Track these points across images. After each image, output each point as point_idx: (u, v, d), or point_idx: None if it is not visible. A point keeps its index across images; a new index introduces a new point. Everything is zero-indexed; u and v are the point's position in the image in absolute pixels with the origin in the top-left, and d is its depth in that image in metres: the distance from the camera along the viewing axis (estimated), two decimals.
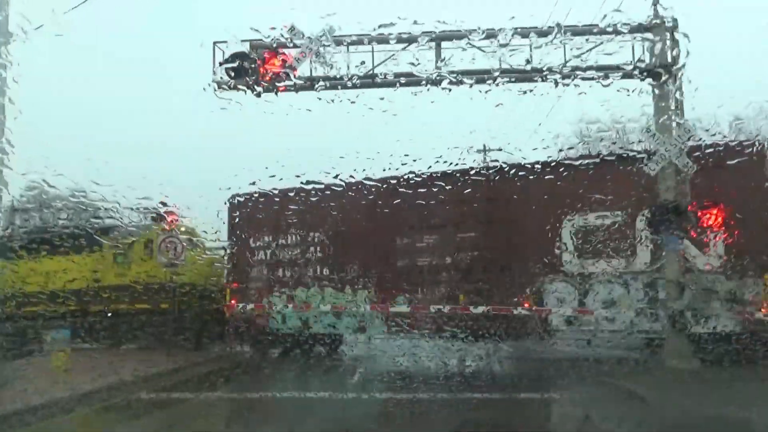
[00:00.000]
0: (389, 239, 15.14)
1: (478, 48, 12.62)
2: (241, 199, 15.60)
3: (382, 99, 12.09)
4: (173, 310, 15.87)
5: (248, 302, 16.32)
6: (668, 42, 12.62)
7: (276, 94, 13.03)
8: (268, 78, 12.82)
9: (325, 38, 12.58)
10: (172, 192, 14.20)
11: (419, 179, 13.38)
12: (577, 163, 13.23)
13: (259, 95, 12.81)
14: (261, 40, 12.82)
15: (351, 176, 12.92)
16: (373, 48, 12.91)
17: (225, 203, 16.05)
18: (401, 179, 13.48)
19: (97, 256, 17.77)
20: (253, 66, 12.85)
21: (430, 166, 12.89)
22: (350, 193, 13.98)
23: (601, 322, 13.27)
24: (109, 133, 52.64)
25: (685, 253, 12.52)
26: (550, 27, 12.28)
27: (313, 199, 14.75)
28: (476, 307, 13.86)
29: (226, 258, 17.34)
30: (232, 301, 16.54)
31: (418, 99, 12.48)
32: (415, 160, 11.94)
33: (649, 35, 12.88)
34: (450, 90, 12.75)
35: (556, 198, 13.32)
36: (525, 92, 12.64)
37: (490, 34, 12.37)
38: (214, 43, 12.82)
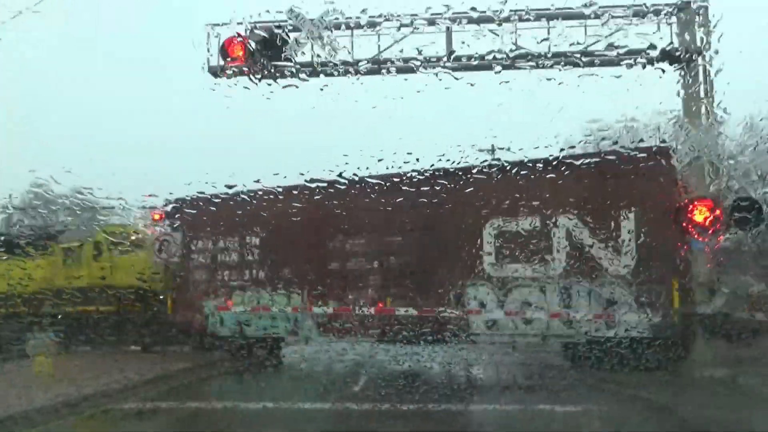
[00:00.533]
0: (322, 243, 15.26)
1: (492, 32, 11.78)
2: (186, 203, 15.21)
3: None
4: (118, 312, 16.34)
5: (188, 305, 16.45)
6: (698, 24, 11.70)
7: (275, 80, 12.14)
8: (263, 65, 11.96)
9: (326, 21, 11.72)
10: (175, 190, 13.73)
11: (348, 185, 12.96)
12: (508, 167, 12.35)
13: (261, 79, 11.95)
14: (258, 23, 11.98)
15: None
16: (378, 34, 12.07)
17: (169, 207, 15.79)
18: (330, 184, 12.88)
19: (49, 259, 17.92)
20: (251, 51, 11.99)
21: (361, 168, 11.90)
22: (288, 197, 13.71)
23: (519, 326, 13.30)
24: (109, 133, 52.04)
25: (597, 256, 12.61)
26: (569, 7, 11.39)
27: (254, 202, 14.41)
28: (403, 310, 13.86)
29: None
30: (229, 303, 15.89)
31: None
32: (347, 163, 11.06)
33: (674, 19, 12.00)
34: (458, 79, 11.93)
35: (481, 202, 13.15)
36: (548, 79, 11.60)
37: (505, 18, 11.58)
38: (208, 25, 11.94)
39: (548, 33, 11.70)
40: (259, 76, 12.20)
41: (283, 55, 11.89)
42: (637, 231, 12.21)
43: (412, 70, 12.00)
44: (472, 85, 11.77)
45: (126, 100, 63.27)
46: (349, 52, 12.21)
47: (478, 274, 13.45)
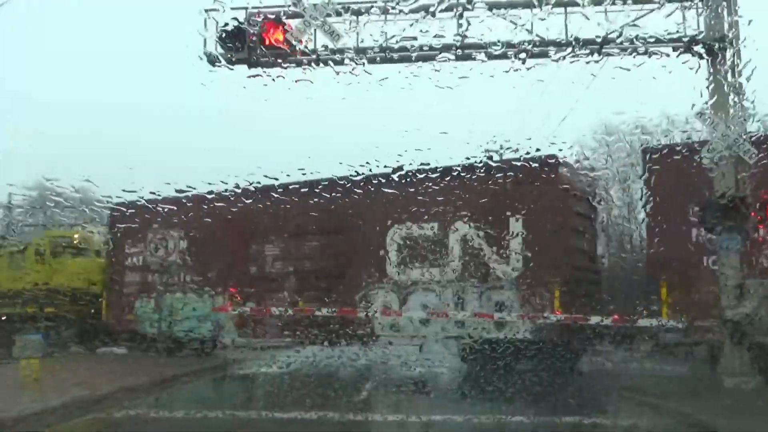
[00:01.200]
0: (244, 246, 16.24)
1: (505, 18, 11.07)
2: (123, 208, 15.79)
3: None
4: (53, 314, 17.22)
5: (121, 306, 17.59)
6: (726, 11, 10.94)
7: (283, 66, 11.44)
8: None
9: (329, 5, 11.05)
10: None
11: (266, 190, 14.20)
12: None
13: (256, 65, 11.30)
14: (259, 8, 11.32)
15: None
16: (386, 18, 11.35)
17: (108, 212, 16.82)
18: (259, 189, 13.63)
19: None
20: (250, 37, 11.31)
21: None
22: (217, 202, 14.22)
23: (417, 327, 13.93)
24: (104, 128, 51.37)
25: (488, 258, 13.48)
26: None
27: (189, 206, 15.58)
28: (320, 309, 14.37)
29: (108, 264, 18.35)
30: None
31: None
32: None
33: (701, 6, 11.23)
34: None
35: (386, 209, 14.07)
36: (567, 60, 10.89)
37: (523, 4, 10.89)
38: (206, 10, 11.24)
39: (566, 20, 10.95)
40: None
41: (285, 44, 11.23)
42: (525, 239, 13.05)
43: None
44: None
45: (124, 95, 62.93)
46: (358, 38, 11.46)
47: (382, 277, 14.33)
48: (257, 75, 11.43)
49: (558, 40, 11.04)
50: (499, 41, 10.96)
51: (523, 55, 11.15)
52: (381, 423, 9.10)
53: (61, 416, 8.90)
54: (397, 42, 11.25)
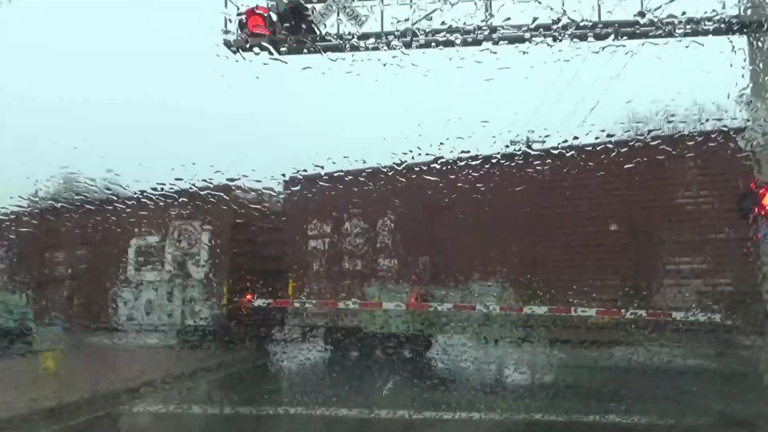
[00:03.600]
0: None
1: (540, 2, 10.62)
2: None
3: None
4: None
5: None
6: None
7: (307, 50, 11.07)
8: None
9: None
10: None
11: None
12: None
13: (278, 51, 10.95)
14: None
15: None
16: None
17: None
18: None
19: None
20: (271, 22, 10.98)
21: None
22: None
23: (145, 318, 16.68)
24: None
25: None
26: None
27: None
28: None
29: None
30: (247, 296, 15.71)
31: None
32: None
33: None
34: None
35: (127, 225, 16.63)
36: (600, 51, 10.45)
37: None
38: None
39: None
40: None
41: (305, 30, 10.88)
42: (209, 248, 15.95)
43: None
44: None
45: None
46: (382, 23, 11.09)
47: (125, 278, 17.10)
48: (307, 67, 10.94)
49: (594, 23, 10.58)
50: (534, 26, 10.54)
51: (551, 41, 10.75)
52: None
53: None
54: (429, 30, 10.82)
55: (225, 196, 14.95)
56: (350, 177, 14.28)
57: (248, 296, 15.30)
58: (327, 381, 12.95)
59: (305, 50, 11.19)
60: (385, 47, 10.78)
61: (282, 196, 16.51)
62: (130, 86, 64.20)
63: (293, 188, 15.96)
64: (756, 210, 9.86)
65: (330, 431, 8.63)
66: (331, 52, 10.98)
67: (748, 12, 10.49)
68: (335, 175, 14.27)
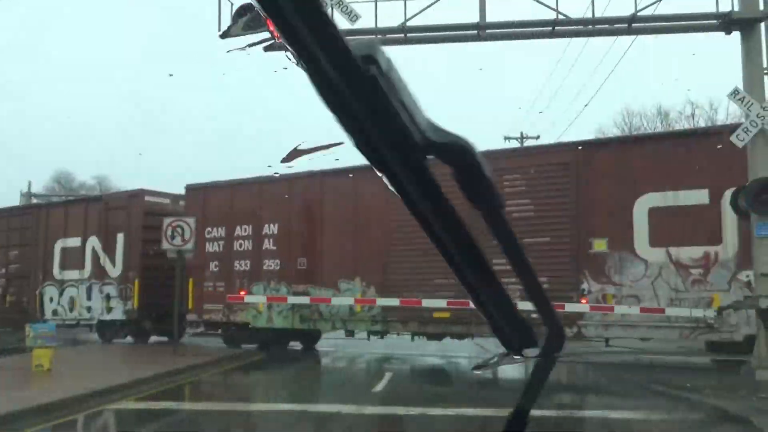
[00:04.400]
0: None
1: None
2: None
3: None
4: None
5: None
6: None
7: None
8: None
9: None
10: None
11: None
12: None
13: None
14: None
15: None
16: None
17: None
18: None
19: None
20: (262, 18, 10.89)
21: None
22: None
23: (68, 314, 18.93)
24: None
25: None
26: None
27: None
28: None
29: None
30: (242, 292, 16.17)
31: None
32: None
33: None
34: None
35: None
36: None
37: None
38: None
39: None
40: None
41: None
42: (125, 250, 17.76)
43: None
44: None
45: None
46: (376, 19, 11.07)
47: (50, 277, 19.18)
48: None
49: (587, 18, 10.58)
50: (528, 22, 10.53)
51: (549, 30, 10.75)
52: None
53: None
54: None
55: (137, 201, 17.50)
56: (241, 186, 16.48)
57: (243, 292, 16.05)
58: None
59: None
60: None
61: (182, 203, 17.85)
62: None
63: (192, 195, 17.39)
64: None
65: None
66: None
67: (741, 9, 10.49)
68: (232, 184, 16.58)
